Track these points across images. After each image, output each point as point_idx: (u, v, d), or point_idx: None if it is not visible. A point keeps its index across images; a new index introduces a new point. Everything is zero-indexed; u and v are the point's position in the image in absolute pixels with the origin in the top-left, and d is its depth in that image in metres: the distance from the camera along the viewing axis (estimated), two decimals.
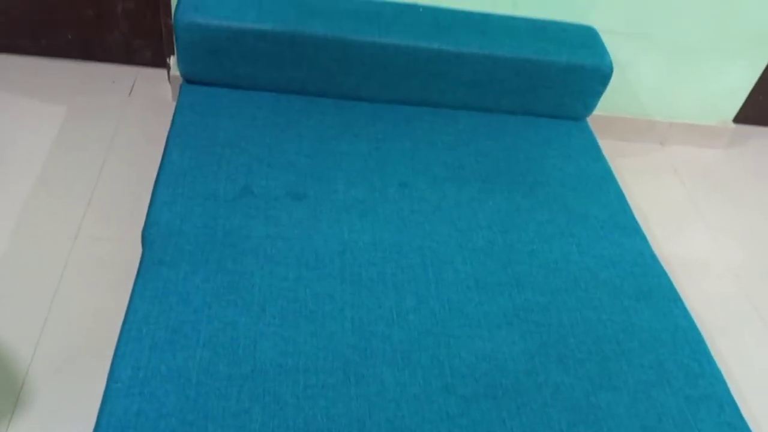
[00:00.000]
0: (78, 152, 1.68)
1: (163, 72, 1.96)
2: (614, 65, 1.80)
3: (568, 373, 1.05)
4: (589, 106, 1.57)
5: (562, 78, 1.50)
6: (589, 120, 1.63)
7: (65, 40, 1.89)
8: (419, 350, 1.03)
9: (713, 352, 1.54)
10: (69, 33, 1.88)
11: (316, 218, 1.22)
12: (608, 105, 1.95)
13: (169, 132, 1.34)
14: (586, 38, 1.55)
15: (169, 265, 1.09)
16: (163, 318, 1.01)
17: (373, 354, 1.02)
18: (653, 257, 1.30)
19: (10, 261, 1.42)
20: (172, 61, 1.81)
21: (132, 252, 1.49)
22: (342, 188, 1.30)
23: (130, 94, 1.88)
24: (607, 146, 1.96)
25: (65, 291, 1.39)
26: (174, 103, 1.86)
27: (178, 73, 1.79)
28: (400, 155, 1.40)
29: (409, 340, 1.05)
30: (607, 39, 1.70)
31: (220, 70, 1.44)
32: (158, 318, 1.01)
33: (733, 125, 2.09)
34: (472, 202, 1.31)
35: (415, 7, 1.52)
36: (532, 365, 1.05)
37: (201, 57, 1.42)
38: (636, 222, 1.37)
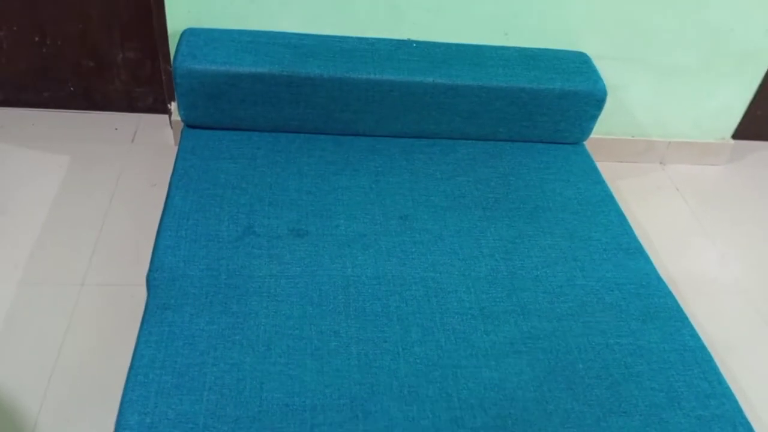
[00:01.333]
0: (82, 200, 1.71)
1: (164, 117, 2.00)
2: (608, 88, 1.82)
3: (578, 399, 1.04)
4: (586, 131, 1.59)
5: (557, 105, 1.52)
6: (587, 143, 1.64)
7: (67, 92, 1.93)
8: (426, 383, 1.03)
9: (723, 371, 1.52)
10: (71, 84, 1.92)
11: (319, 254, 1.23)
12: (605, 127, 1.96)
13: (172, 176, 1.36)
14: (579, 64, 1.57)
15: (173, 309, 1.09)
16: (168, 362, 1.02)
17: (380, 389, 1.01)
18: (658, 278, 1.29)
19: (18, 310, 1.43)
20: (173, 106, 1.84)
21: (138, 296, 1.50)
22: (343, 223, 1.31)
23: (132, 140, 1.91)
24: (606, 168, 1.97)
25: (72, 338, 1.40)
26: (176, 147, 1.89)
27: (179, 118, 1.83)
28: (400, 187, 1.41)
29: (416, 373, 1.04)
30: (599, 64, 1.73)
31: (220, 114, 1.47)
32: (164, 362, 1.02)
33: (732, 141, 2.09)
34: (473, 231, 1.32)
35: (408, 43, 1.55)
36: (541, 393, 1.04)
37: (200, 102, 1.45)
38: (639, 243, 1.37)
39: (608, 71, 1.79)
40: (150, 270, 1.16)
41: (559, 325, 1.15)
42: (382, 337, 1.09)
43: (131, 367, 1.01)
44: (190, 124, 1.50)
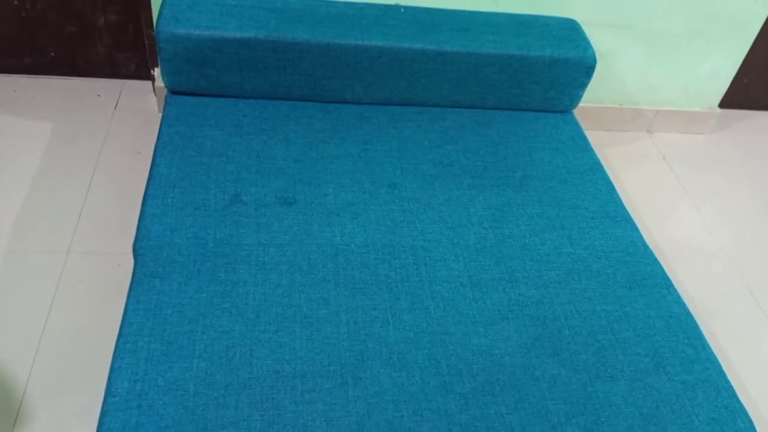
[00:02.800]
0: (66, 168, 1.68)
1: (147, 84, 1.96)
2: (598, 55, 1.81)
3: (564, 365, 1.06)
4: (575, 98, 1.58)
5: (547, 72, 1.50)
6: (576, 112, 1.64)
7: (48, 57, 1.89)
8: (415, 350, 1.04)
9: (708, 337, 1.55)
10: (51, 50, 1.87)
11: (307, 223, 1.22)
12: (594, 96, 1.96)
13: (156, 143, 1.34)
14: (569, 31, 1.55)
15: (161, 277, 1.09)
16: (157, 330, 1.01)
17: (370, 356, 1.02)
18: (644, 245, 1.30)
19: (3, 278, 1.42)
20: (157, 72, 1.81)
21: (124, 265, 1.49)
22: (332, 191, 1.30)
23: (115, 107, 1.88)
24: (594, 137, 1.97)
25: (59, 307, 1.39)
26: (160, 114, 1.86)
27: (162, 84, 1.79)
28: (389, 156, 1.40)
29: (405, 340, 1.05)
30: (588, 30, 1.71)
31: (205, 80, 1.44)
32: (153, 330, 1.01)
33: (719, 110, 2.10)
34: (462, 199, 1.32)
35: (396, 8, 1.52)
36: (529, 359, 1.05)
37: (185, 67, 1.42)
38: (626, 211, 1.37)
39: (598, 38, 1.78)
40: (137, 238, 1.15)
41: (547, 292, 1.16)
42: (372, 305, 1.10)
43: (120, 335, 1.00)
44: (174, 91, 1.47)
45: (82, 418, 1.22)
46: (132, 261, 1.31)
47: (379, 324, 1.07)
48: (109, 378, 0.96)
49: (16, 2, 1.76)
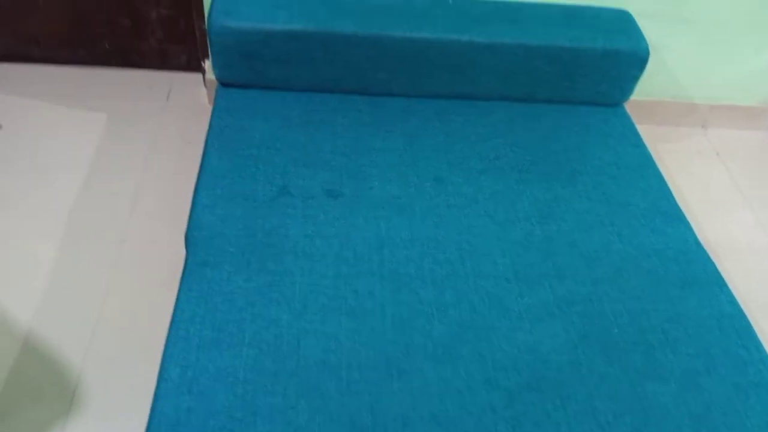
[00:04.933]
0: (119, 158, 1.73)
1: (198, 76, 2.00)
2: (650, 47, 1.76)
3: (613, 364, 1.04)
4: (627, 92, 1.54)
5: (598, 65, 1.47)
6: (627, 105, 1.60)
7: (102, 49, 1.94)
8: (460, 344, 1.04)
9: (762, 338, 1.50)
10: (106, 42, 1.93)
11: (353, 215, 1.23)
12: (646, 89, 1.90)
13: (207, 135, 1.37)
14: (621, 23, 1.52)
15: (212, 266, 1.11)
16: (208, 318, 1.04)
17: (415, 349, 1.03)
18: (697, 244, 1.27)
19: (60, 265, 1.47)
20: (207, 64, 1.84)
21: (176, 253, 1.52)
22: (377, 185, 1.30)
23: (167, 98, 1.92)
24: (646, 132, 1.91)
25: (114, 293, 1.44)
26: (210, 106, 1.89)
27: (213, 77, 1.82)
28: (435, 149, 1.40)
29: (450, 334, 1.05)
30: (641, 22, 1.66)
31: (254, 73, 1.46)
32: (204, 318, 1.04)
33: None
34: (509, 194, 1.31)
35: (445, 0, 1.51)
36: (576, 356, 1.04)
37: (235, 60, 1.44)
38: (678, 208, 1.34)
39: (650, 30, 1.73)
40: (189, 228, 1.18)
41: (595, 289, 1.14)
42: (417, 299, 1.10)
43: (172, 322, 1.03)
44: (224, 83, 1.50)
45: (136, 402, 1.27)
46: (183, 250, 1.34)
47: (424, 317, 1.07)
48: (162, 364, 0.99)
49: None
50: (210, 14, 1.41)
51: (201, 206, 1.21)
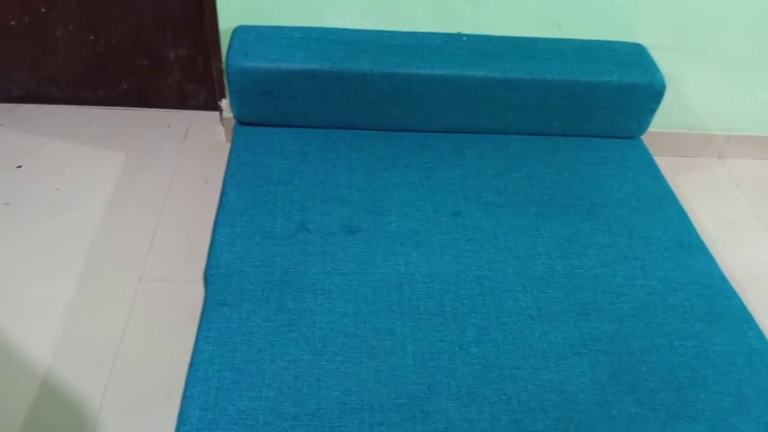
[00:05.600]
0: (138, 196, 1.74)
1: (215, 114, 2.02)
2: (666, 81, 1.76)
3: (642, 403, 1.01)
4: (644, 124, 1.54)
5: (614, 98, 1.47)
6: (643, 138, 1.59)
7: (121, 89, 1.98)
8: (484, 384, 1.01)
9: None
10: (125, 82, 1.96)
11: (372, 251, 1.23)
12: (662, 121, 1.90)
13: (225, 173, 1.37)
14: (636, 56, 1.52)
15: (231, 305, 1.11)
16: (227, 358, 1.03)
17: (438, 389, 1.00)
18: (722, 277, 1.25)
19: (77, 305, 1.47)
20: (224, 103, 1.86)
21: (194, 292, 1.52)
22: (395, 220, 1.30)
23: (185, 137, 1.94)
24: (663, 163, 1.90)
25: (132, 333, 1.43)
26: (227, 144, 1.91)
27: (230, 115, 1.84)
28: (452, 184, 1.40)
29: (474, 374, 1.03)
30: (655, 55, 1.67)
31: (271, 110, 1.48)
32: (223, 358, 1.03)
33: None
34: (528, 228, 1.30)
35: (458, 37, 1.53)
36: (604, 396, 1.01)
37: (252, 99, 1.46)
38: (701, 241, 1.32)
39: (665, 63, 1.73)
40: (207, 266, 1.18)
41: (621, 326, 1.12)
42: (438, 336, 1.08)
43: (192, 363, 1.02)
44: (242, 121, 1.51)
45: None
46: (201, 287, 1.34)
47: (447, 356, 1.05)
48: (182, 406, 0.97)
49: (91, 37, 1.85)
50: (228, 55, 1.43)
51: (219, 244, 1.21)
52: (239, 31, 1.50)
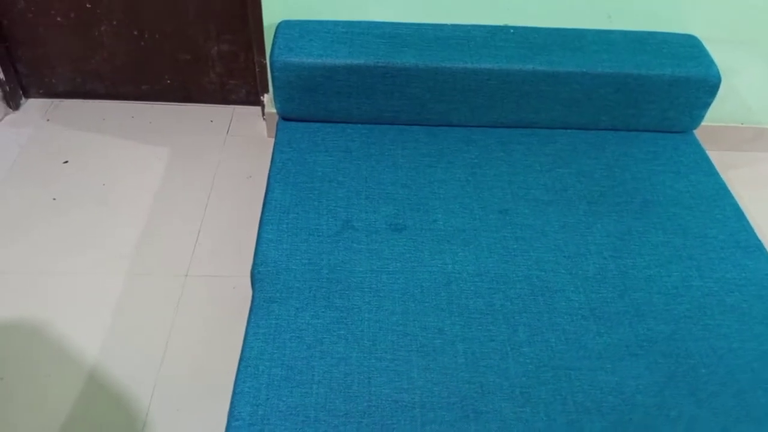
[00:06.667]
0: (182, 192, 1.76)
1: (257, 109, 2.03)
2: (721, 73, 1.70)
3: (702, 406, 0.98)
4: (697, 119, 1.49)
5: (667, 91, 1.43)
6: (696, 132, 1.54)
7: (164, 84, 1.99)
8: (538, 384, 0.99)
9: None
10: (168, 77, 1.98)
11: (418, 250, 1.21)
12: (714, 114, 1.84)
13: (270, 169, 1.37)
14: (689, 48, 1.47)
15: (279, 303, 1.10)
16: (277, 355, 1.03)
17: (490, 389, 0.99)
18: None
19: (125, 300, 1.49)
20: (266, 98, 1.86)
21: (240, 287, 1.53)
22: (441, 217, 1.28)
23: (227, 132, 1.95)
24: (715, 158, 1.85)
25: (179, 329, 1.44)
26: (270, 139, 1.92)
27: (272, 110, 1.85)
28: (498, 180, 1.37)
29: (527, 373, 1.01)
30: (709, 47, 1.61)
31: (315, 106, 1.47)
32: (273, 355, 1.03)
33: None
34: (578, 226, 1.27)
35: (505, 29, 1.50)
36: (662, 398, 0.98)
37: (296, 95, 1.45)
38: (758, 240, 1.27)
39: (717, 54, 1.68)
40: (254, 264, 1.18)
41: (677, 327, 1.09)
42: (488, 336, 1.07)
43: (241, 359, 1.02)
44: (285, 117, 1.51)
45: None
46: (247, 283, 1.34)
47: (498, 356, 1.04)
48: (232, 402, 0.97)
49: (135, 32, 1.87)
50: (272, 50, 1.43)
51: (266, 241, 1.21)
52: (283, 26, 1.49)
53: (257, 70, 1.83)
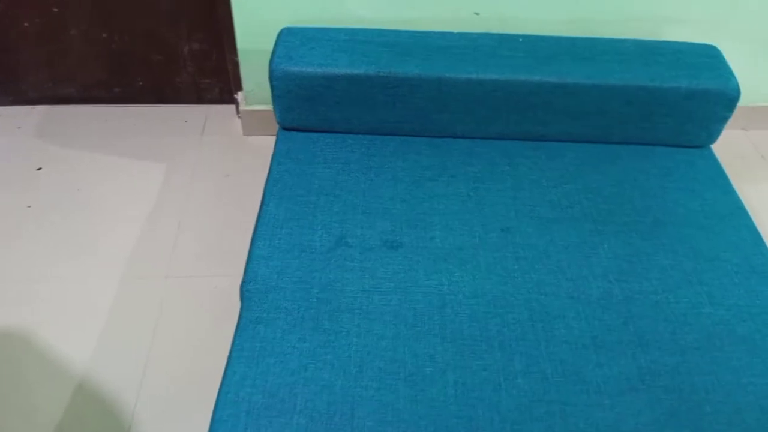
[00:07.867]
0: (159, 193, 1.75)
1: (231, 107, 2.01)
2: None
3: None
4: (714, 133, 1.42)
5: (682, 105, 1.36)
6: (713, 147, 1.47)
7: (137, 86, 1.97)
8: (531, 420, 0.94)
9: None
10: (140, 79, 1.96)
11: (413, 269, 1.17)
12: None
13: (267, 181, 1.34)
14: (707, 58, 1.40)
15: (266, 324, 1.07)
16: (259, 381, 0.99)
17: (480, 424, 0.94)
18: None
19: (106, 304, 1.47)
20: (240, 95, 1.84)
21: (220, 286, 1.51)
22: (439, 235, 1.23)
23: (203, 132, 1.94)
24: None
25: (162, 331, 1.43)
26: (245, 137, 1.91)
27: (247, 108, 1.82)
28: (501, 196, 1.32)
29: (519, 408, 0.96)
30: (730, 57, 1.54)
31: (315, 116, 1.43)
32: (255, 381, 0.99)
33: None
34: (583, 247, 1.21)
35: (514, 38, 1.44)
36: None
37: (296, 104, 1.41)
38: None
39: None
40: (244, 281, 1.14)
41: (683, 359, 1.02)
42: (482, 365, 1.02)
43: (222, 384, 0.99)
44: (285, 127, 1.47)
45: None
46: (228, 281, 1.29)
47: (490, 387, 0.99)
48: (211, 429, 0.94)
49: (105, 35, 1.84)
50: (272, 59, 1.39)
51: (257, 258, 1.18)
52: (285, 34, 1.45)
53: (230, 67, 1.80)
